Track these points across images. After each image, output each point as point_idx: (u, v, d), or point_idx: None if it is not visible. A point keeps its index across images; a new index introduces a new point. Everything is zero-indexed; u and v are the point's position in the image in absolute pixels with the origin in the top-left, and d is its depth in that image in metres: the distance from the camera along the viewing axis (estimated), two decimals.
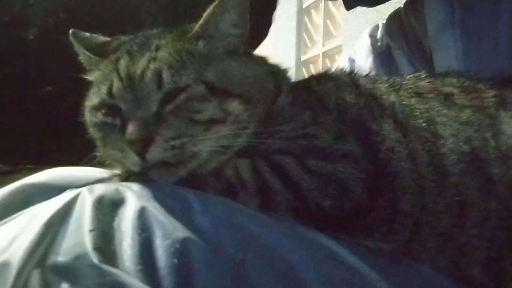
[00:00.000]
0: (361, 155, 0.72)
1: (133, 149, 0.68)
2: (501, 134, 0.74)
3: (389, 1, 1.25)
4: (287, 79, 0.86)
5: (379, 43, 1.23)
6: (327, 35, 4.35)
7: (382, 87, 0.82)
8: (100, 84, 0.75)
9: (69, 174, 0.70)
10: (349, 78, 0.85)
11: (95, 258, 0.54)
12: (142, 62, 0.72)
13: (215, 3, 0.75)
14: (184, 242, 0.57)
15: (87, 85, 0.80)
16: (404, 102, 0.78)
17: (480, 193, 0.71)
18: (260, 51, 0.90)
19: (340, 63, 1.29)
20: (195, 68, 0.72)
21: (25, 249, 0.54)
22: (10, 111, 5.62)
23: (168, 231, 0.57)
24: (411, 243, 0.70)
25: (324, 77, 0.87)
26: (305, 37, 4.82)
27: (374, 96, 0.80)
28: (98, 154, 0.79)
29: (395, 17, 1.22)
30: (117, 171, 0.76)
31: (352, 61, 1.25)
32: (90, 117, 0.77)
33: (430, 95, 0.80)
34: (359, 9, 1.50)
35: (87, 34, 0.83)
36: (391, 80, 0.85)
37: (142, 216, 0.59)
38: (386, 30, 1.22)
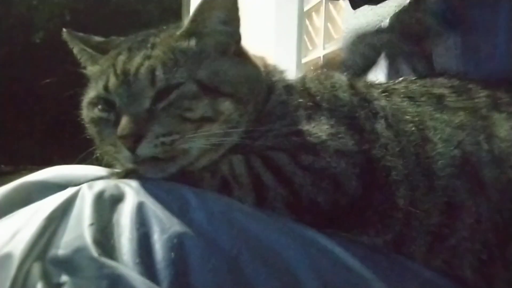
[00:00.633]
0: (355, 151, 0.72)
1: (124, 144, 0.69)
2: (494, 137, 0.74)
3: (390, 4, 1.26)
4: (283, 78, 0.87)
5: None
6: (328, 38, 4.36)
7: (376, 92, 0.82)
8: (98, 79, 0.76)
9: (69, 172, 0.71)
10: (346, 79, 0.86)
11: (94, 251, 0.55)
12: (137, 59, 0.74)
13: (201, 0, 0.75)
14: (180, 237, 0.58)
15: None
16: (395, 106, 0.79)
17: (471, 196, 0.71)
18: (261, 53, 0.91)
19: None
20: (188, 67, 0.73)
21: (26, 242, 0.56)
22: (13, 113, 5.63)
23: (165, 226, 0.59)
24: (402, 236, 0.70)
25: (320, 76, 0.87)
26: (306, 40, 4.83)
27: (367, 100, 0.80)
28: (97, 152, 0.80)
29: (395, 19, 1.23)
30: (116, 169, 0.77)
31: None
32: (87, 112, 0.78)
33: (422, 99, 0.80)
34: (359, 12, 1.51)
35: (81, 33, 0.84)
36: (385, 84, 0.85)
37: (140, 211, 0.61)
38: (387, 31, 1.23)
